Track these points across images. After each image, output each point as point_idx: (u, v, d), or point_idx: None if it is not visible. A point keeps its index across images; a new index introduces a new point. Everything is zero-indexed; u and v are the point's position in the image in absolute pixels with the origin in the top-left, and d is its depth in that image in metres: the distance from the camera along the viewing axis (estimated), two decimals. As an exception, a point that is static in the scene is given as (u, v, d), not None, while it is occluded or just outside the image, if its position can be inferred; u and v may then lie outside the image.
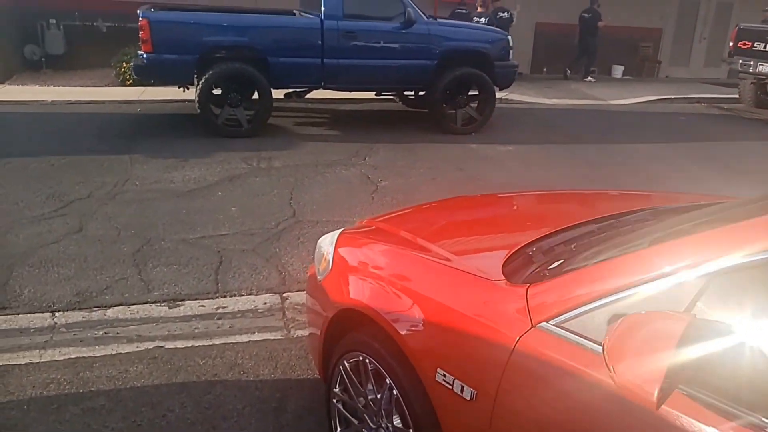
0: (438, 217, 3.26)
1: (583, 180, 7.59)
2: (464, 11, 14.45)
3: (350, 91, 10.25)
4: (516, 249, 2.26)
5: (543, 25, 16.72)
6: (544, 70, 16.79)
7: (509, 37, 9.95)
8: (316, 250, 3.06)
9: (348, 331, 2.54)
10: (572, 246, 2.28)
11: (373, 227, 3.01)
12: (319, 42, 8.72)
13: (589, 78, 16.38)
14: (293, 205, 6.22)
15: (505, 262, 2.16)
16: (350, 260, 2.69)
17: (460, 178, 7.43)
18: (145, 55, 8.17)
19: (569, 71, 16.39)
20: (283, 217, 5.88)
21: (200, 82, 8.27)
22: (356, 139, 8.94)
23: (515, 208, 3.43)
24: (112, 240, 5.18)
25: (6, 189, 6.19)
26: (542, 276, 1.98)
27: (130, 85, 11.46)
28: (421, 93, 10.43)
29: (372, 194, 6.69)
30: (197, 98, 8.31)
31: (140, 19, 8.07)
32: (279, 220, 5.80)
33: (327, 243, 2.93)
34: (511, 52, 9.95)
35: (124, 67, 11.47)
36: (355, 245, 2.79)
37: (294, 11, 9.96)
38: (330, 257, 2.78)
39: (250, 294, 4.45)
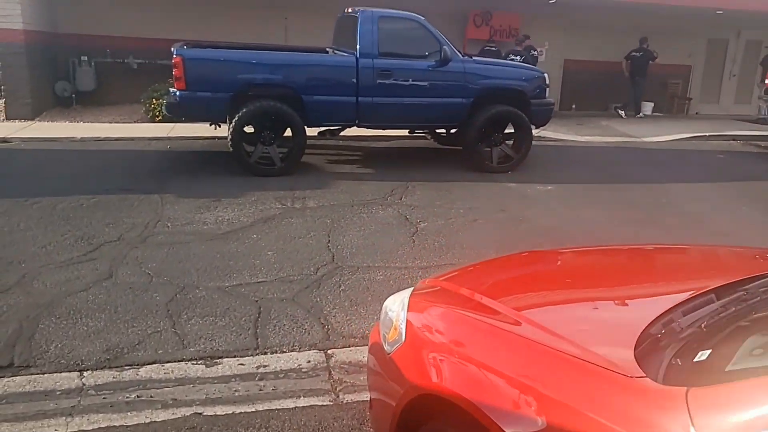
0: (518, 278, 2.84)
1: (633, 222, 7.16)
2: (494, 48, 14.23)
3: (384, 129, 9.96)
4: (642, 331, 1.84)
5: (571, 62, 16.41)
6: (573, 106, 16.42)
7: (545, 74, 9.61)
8: (382, 314, 2.66)
9: (428, 418, 2.13)
10: (702, 326, 1.87)
11: (449, 290, 2.61)
12: (354, 80, 8.45)
13: (642, 114, 16.33)
14: (331, 248, 5.84)
15: (635, 348, 1.74)
16: (429, 333, 2.28)
17: (503, 220, 7.02)
18: (177, 93, 7.90)
19: (623, 111, 16.25)
20: (322, 262, 5.50)
21: (233, 120, 7.98)
22: (391, 178, 8.59)
23: (606, 268, 2.99)
24: (143, 288, 4.81)
25: (34, 231, 5.88)
26: (692, 372, 1.56)
27: (159, 122, 11.23)
28: (452, 131, 10.12)
29: (412, 236, 6.30)
30: (230, 136, 8.03)
31: (174, 56, 7.82)
32: (318, 266, 5.42)
33: (396, 308, 2.53)
34: (547, 90, 9.62)
35: (154, 104, 11.26)
36: (433, 314, 2.38)
37: (327, 49, 9.72)
38: (402, 327, 2.37)
39: (292, 350, 4.05)
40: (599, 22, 16.08)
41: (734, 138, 13.66)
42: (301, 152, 8.47)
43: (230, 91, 7.98)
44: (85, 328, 4.15)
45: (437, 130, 10.56)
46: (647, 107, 17.11)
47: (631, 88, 16.22)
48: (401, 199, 7.66)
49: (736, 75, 18.19)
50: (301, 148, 8.42)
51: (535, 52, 14.57)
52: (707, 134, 13.53)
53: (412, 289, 2.70)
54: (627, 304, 2.26)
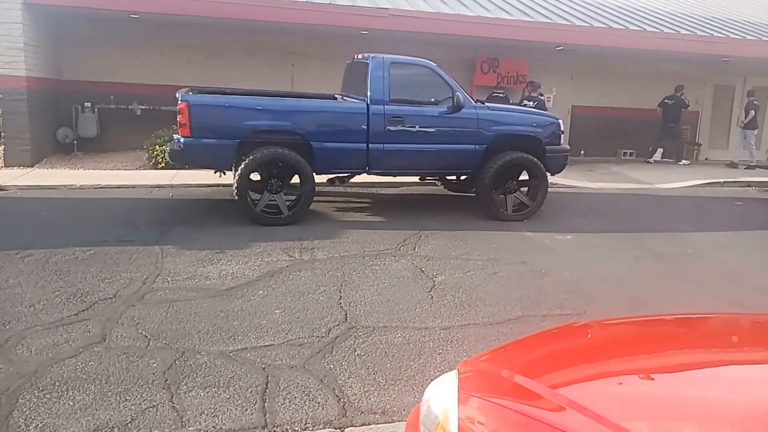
0: (587, 364, 2.33)
1: (661, 276, 6.69)
2: (502, 95, 13.95)
3: (394, 176, 9.58)
4: None
5: (578, 108, 16.10)
6: (582, 152, 16.05)
7: (560, 120, 9.25)
8: (424, 407, 2.16)
9: None
10: None
11: (507, 379, 2.11)
12: (365, 127, 8.10)
13: (683, 161, 16.10)
14: (344, 306, 5.35)
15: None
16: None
17: (525, 273, 6.54)
18: (182, 140, 7.52)
19: (653, 158, 16.19)
20: (334, 322, 5.00)
21: (240, 168, 7.58)
22: (402, 226, 8.15)
23: (667, 341, 2.49)
24: (139, 353, 4.31)
25: (23, 287, 5.40)
26: None
27: (162, 168, 10.86)
28: (462, 177, 9.81)
29: (430, 292, 5.81)
30: (236, 184, 7.61)
31: (179, 102, 7.46)
32: (330, 326, 4.92)
33: (445, 401, 2.04)
34: (562, 136, 9.25)
35: (157, 150, 10.90)
36: (495, 413, 1.88)
37: (336, 96, 9.39)
38: (453, 428, 1.88)
39: (305, 429, 3.54)
40: (606, 68, 15.88)
41: (749, 184, 13.25)
42: (310, 201, 8.05)
43: (237, 138, 7.61)
44: (72, 403, 3.64)
45: (448, 177, 10.19)
46: (657, 153, 16.80)
47: (668, 136, 16.12)
48: (415, 249, 7.19)
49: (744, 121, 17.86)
50: (310, 196, 8.01)
51: (543, 98, 14.29)
52: (721, 180, 13.12)
53: (456, 375, 2.20)
54: (704, 384, 1.78)
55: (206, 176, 9.31)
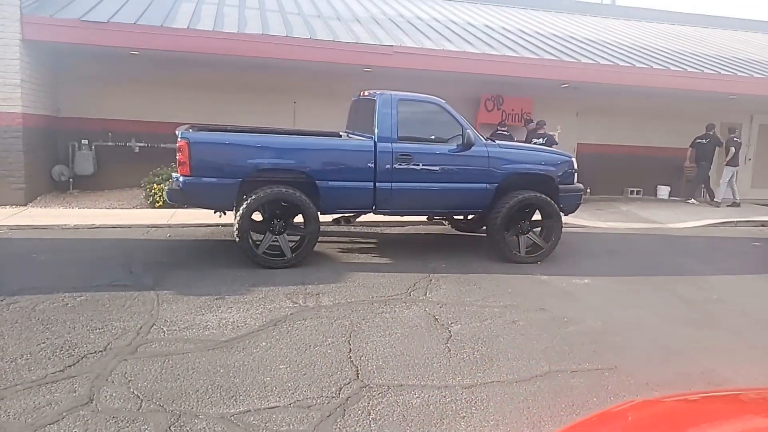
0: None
1: (691, 324, 6.24)
2: (506, 132, 13.69)
3: (402, 216, 9.19)
4: None
5: (584, 146, 15.81)
6: (588, 191, 15.68)
7: (573, 158, 8.89)
8: None
9: None
10: None
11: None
12: (372, 165, 7.75)
13: (692, 200, 15.81)
14: (354, 360, 4.89)
15: None
16: None
17: (546, 321, 6.08)
18: (181, 179, 7.13)
19: (692, 197, 15.94)
20: (345, 380, 4.54)
21: (241, 208, 7.18)
22: (410, 269, 7.72)
23: None
24: (130, 417, 3.84)
25: (6, 339, 4.94)
26: None
27: (159, 207, 10.46)
28: (470, 216, 9.47)
29: (446, 343, 5.35)
30: (237, 225, 7.20)
31: (179, 139, 7.09)
32: (340, 384, 4.46)
33: None
34: (575, 174, 8.88)
35: (155, 189, 10.52)
36: None
37: (341, 133, 9.05)
38: None
39: None
40: (611, 105, 15.67)
41: (763, 224, 12.86)
42: (314, 242, 7.64)
43: (238, 177, 7.24)
44: (50, 482, 3.17)
45: (456, 216, 9.80)
46: (663, 191, 16.49)
47: (699, 176, 15.84)
48: (426, 294, 6.75)
49: (752, 159, 17.59)
50: (315, 237, 7.60)
51: (553, 135, 14.02)
52: (734, 220, 12.73)
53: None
54: None
55: (205, 216, 8.91)
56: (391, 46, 12.12)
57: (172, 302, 6.05)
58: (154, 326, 5.39)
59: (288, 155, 7.44)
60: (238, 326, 5.49)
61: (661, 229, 11.91)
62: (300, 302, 6.25)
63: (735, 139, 15.32)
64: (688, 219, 12.82)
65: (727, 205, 15.11)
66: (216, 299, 6.19)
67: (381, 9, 16.06)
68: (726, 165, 15.41)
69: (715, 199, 15.49)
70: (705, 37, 19.99)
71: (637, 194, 16.40)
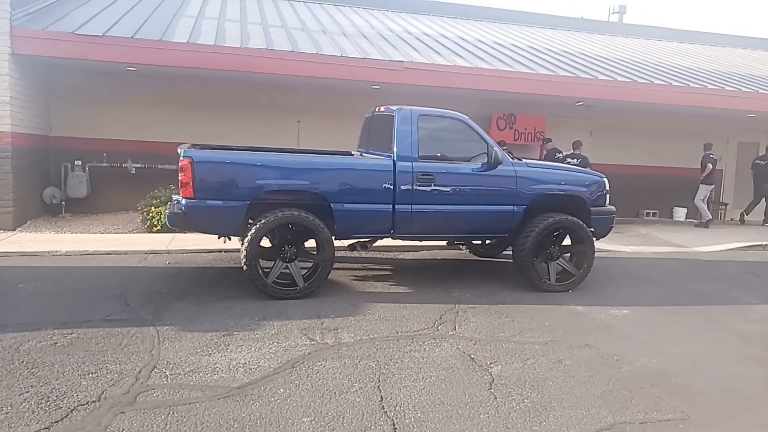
0: None
1: (755, 361, 5.60)
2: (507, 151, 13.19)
3: (420, 241, 8.70)
4: None
5: (598, 166, 15.00)
6: (603, 213, 15.13)
7: (605, 179, 8.30)
8: None
9: None
10: None
11: None
12: (391, 186, 7.13)
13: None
14: (388, 411, 4.22)
15: None
16: None
17: (594, 360, 5.43)
18: (183, 202, 6.50)
19: (746, 215, 15.64)
20: (381, 436, 3.87)
21: (250, 233, 6.55)
22: (433, 299, 7.09)
23: None
24: (128, 490, 3.17)
25: (-17, 387, 4.26)
26: None
27: (157, 232, 9.80)
28: (487, 241, 8.96)
29: (490, 389, 4.69)
30: (245, 252, 6.55)
31: (181, 158, 6.48)
32: (377, 443, 3.79)
33: None
34: (608, 196, 8.29)
35: (153, 212, 9.87)
36: None
37: (351, 152, 8.46)
38: None
39: None
40: (625, 124, 15.19)
41: (792, 248, 12.27)
42: (329, 269, 6.99)
43: (247, 199, 6.61)
44: None
45: (475, 241, 9.19)
46: (680, 213, 15.91)
47: (755, 195, 15.50)
48: (455, 329, 6.10)
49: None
50: (329, 264, 6.95)
51: (560, 155, 13.45)
52: (763, 243, 12.11)
53: None
54: None
55: (206, 240, 8.25)
56: (401, 61, 11.61)
57: (175, 340, 5.38)
58: (156, 369, 4.72)
59: (301, 175, 6.82)
60: (250, 369, 4.82)
61: (688, 253, 11.30)
62: (317, 339, 5.59)
63: (711, 156, 14.66)
64: (713, 242, 12.22)
65: (695, 225, 14.55)
66: (224, 336, 5.52)
67: (386, 25, 15.61)
68: (702, 183, 14.75)
69: (702, 221, 14.82)
70: (716, 55, 19.59)
71: (653, 216, 15.83)
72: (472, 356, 5.36)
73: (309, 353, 5.22)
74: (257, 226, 6.54)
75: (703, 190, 14.71)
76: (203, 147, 7.23)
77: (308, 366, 4.94)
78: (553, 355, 5.53)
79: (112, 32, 10.28)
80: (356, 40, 13.07)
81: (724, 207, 16.27)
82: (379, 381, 4.71)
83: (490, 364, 5.22)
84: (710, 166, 14.51)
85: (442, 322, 6.27)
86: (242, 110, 12.42)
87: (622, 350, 5.72)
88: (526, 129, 14.13)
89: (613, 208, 8.44)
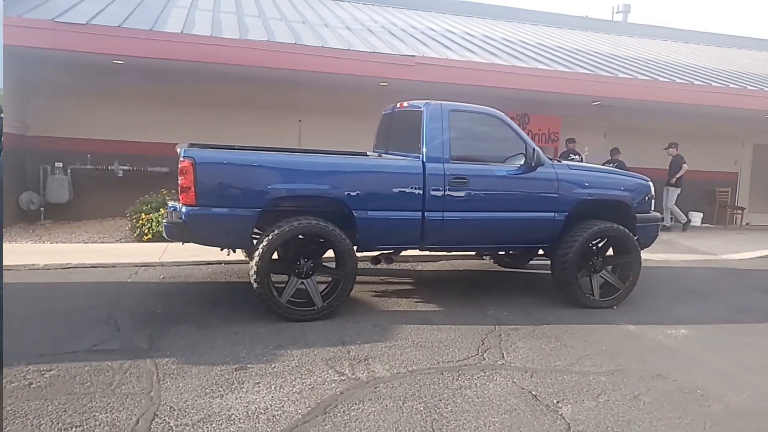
0: None
1: None
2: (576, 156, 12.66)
3: (449, 251, 8.03)
4: None
5: (610, 169, 14.49)
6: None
7: (650, 183, 7.52)
8: None
9: None
10: None
11: None
12: (420, 191, 6.27)
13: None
14: (455, 473, 3.33)
15: None
16: None
17: (676, 396, 4.58)
18: (183, 210, 5.59)
19: None
20: None
21: (261, 245, 5.65)
22: (468, 319, 6.23)
23: None
24: None
25: (-65, 451, 3.31)
26: None
27: (148, 241, 8.85)
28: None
29: (568, 437, 3.83)
30: (255, 267, 5.63)
31: (181, 159, 5.57)
32: None
33: None
34: (653, 201, 7.53)
35: (143, 219, 8.92)
36: None
37: (368, 153, 7.58)
38: None
39: None
40: (641, 125, 14.44)
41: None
42: (350, 286, 6.08)
43: (257, 206, 5.71)
44: None
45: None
46: (696, 217, 15.18)
47: None
48: (503, 357, 5.23)
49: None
50: (350, 280, 6.04)
51: (577, 157, 12.68)
52: (796, 251, 11.40)
53: None
54: None
55: (203, 251, 7.20)
56: (413, 56, 10.84)
57: (178, 376, 4.45)
58: (157, 418, 3.79)
59: (320, 179, 5.92)
60: (274, 416, 3.90)
61: (719, 261, 10.53)
62: (347, 373, 4.68)
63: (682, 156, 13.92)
64: (740, 249, 11.51)
65: (683, 230, 13.88)
66: (236, 370, 4.60)
67: (390, 20, 14.85)
68: (672, 186, 13.95)
69: (684, 223, 14.10)
70: (725, 55, 18.99)
71: (672, 221, 15.07)
72: (534, 393, 4.50)
73: (341, 392, 4.32)
74: (269, 237, 5.62)
75: (674, 194, 13.95)
76: (204, 147, 6.29)
77: (343, 411, 4.03)
78: (626, 389, 4.67)
79: (97, 20, 9.33)
80: (362, 35, 12.29)
81: (741, 211, 15.54)
82: (433, 430, 3.82)
83: (558, 402, 4.35)
84: (686, 167, 13.74)
85: (486, 349, 5.40)
86: (239, 109, 11.48)
87: (701, 381, 4.88)
88: (540, 130, 13.34)
89: (658, 214, 7.68)
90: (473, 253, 8.43)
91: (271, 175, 5.74)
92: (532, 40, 15.49)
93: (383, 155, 7.27)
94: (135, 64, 10.17)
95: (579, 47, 15.52)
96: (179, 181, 5.63)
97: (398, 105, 7.35)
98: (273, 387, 4.34)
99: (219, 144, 6.68)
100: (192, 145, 6.08)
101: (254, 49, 9.75)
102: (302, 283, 5.92)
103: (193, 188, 5.51)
